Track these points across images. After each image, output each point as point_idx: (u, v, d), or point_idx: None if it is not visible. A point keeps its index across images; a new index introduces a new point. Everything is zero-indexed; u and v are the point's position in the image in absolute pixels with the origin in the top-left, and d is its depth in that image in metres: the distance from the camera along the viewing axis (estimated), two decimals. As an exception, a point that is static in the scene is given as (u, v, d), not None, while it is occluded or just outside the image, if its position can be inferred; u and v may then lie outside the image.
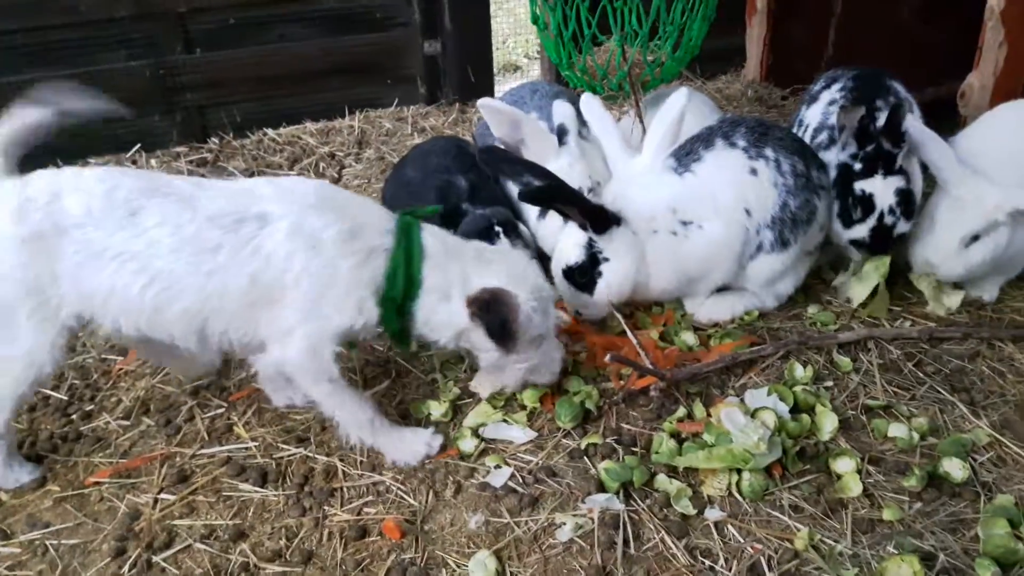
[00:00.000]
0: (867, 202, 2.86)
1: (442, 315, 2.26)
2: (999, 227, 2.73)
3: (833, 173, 2.98)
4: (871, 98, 3.14)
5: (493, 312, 2.20)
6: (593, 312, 2.83)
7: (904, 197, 2.84)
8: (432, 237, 2.27)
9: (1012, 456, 2.29)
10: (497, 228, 2.80)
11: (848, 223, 2.92)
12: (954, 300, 2.96)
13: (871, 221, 2.86)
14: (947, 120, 3.70)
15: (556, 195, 2.69)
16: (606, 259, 2.71)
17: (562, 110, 3.17)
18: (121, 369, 2.78)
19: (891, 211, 2.84)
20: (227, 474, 2.31)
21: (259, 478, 2.27)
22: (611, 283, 2.73)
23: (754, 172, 2.77)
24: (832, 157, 3.03)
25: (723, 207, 2.75)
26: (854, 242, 2.94)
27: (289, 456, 2.37)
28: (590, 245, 2.70)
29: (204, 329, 2.15)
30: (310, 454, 2.37)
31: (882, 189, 2.83)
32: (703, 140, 2.85)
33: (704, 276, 2.85)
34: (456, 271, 2.25)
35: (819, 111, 3.32)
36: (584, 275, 2.73)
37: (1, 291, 2.05)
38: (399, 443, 2.32)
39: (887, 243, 2.89)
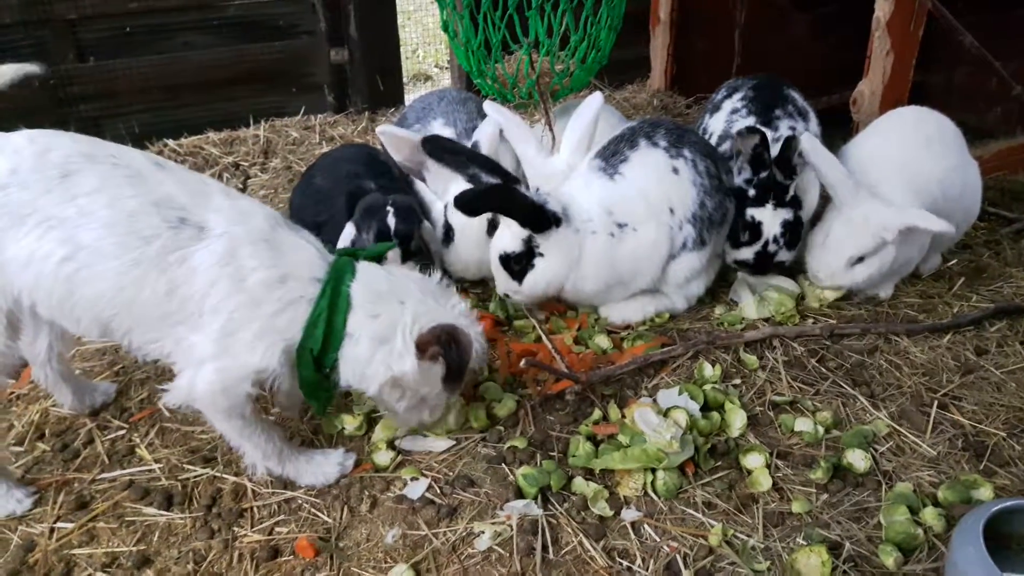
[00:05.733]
0: (755, 229, 2.97)
1: (378, 361, 2.08)
2: (886, 246, 2.85)
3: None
4: (770, 107, 3.25)
5: (453, 350, 2.07)
6: (519, 299, 2.86)
7: (789, 229, 2.96)
8: (365, 283, 2.10)
9: (909, 445, 2.39)
10: (389, 208, 2.76)
11: (736, 244, 3.04)
12: (829, 294, 3.09)
13: (756, 246, 2.98)
14: (841, 126, 3.87)
15: (491, 202, 2.67)
16: (541, 255, 2.72)
17: (484, 130, 3.14)
18: (13, 393, 2.62)
19: (775, 240, 2.96)
20: (130, 498, 2.20)
21: (164, 501, 2.18)
22: (540, 278, 2.76)
23: (676, 171, 2.84)
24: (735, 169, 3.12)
25: (653, 208, 2.80)
26: (739, 262, 3.05)
27: (195, 477, 2.28)
28: (530, 239, 2.70)
29: (110, 324, 2.01)
30: (217, 474, 2.28)
31: (770, 219, 2.95)
32: (627, 140, 2.90)
33: (632, 279, 2.89)
34: (396, 312, 2.09)
35: (722, 120, 3.41)
36: (519, 263, 2.74)
37: None
38: (308, 466, 2.25)
39: (767, 267, 3.04)
